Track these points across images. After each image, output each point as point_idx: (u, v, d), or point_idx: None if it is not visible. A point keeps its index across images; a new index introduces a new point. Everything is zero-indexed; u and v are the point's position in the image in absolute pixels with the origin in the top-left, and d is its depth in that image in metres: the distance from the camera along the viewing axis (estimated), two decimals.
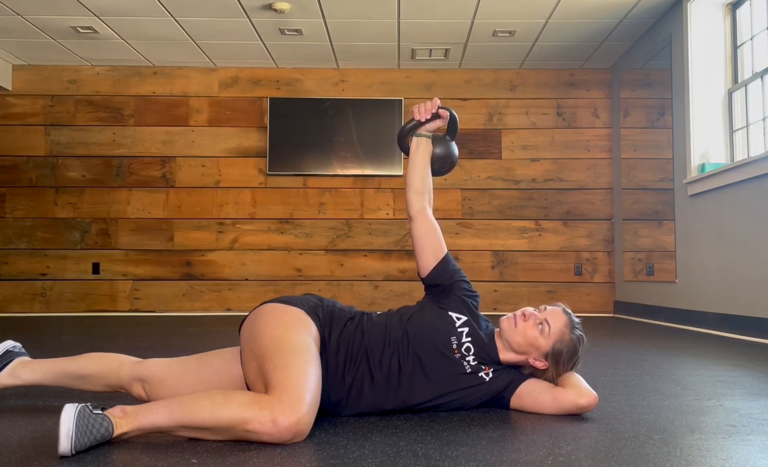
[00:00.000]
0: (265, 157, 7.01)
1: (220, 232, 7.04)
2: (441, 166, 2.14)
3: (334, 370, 1.83)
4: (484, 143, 7.08)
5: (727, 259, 4.73)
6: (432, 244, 2.03)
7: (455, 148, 2.16)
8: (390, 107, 7.00)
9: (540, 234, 7.04)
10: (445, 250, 2.05)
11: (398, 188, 7.02)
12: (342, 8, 5.60)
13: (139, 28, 6.06)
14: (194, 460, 1.44)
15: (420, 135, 2.11)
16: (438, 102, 2.09)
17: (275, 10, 5.58)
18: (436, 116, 2.10)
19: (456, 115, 2.14)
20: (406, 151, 2.15)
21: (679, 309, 5.41)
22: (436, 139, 2.13)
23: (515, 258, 7.02)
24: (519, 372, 1.97)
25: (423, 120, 2.10)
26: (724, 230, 4.77)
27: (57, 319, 6.24)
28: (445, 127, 2.16)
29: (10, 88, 7.03)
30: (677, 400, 2.20)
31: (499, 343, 1.95)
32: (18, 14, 5.72)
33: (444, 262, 2.02)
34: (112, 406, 1.56)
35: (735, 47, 5.14)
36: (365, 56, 6.77)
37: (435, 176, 2.15)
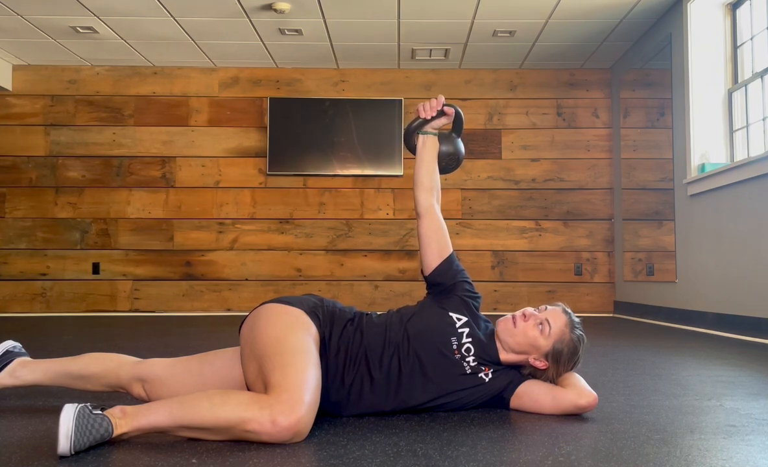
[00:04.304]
0: (265, 157, 7.01)
1: (220, 232, 7.04)
2: (448, 163, 2.14)
3: (334, 371, 1.83)
4: (484, 143, 7.08)
5: (727, 259, 4.73)
6: (438, 242, 2.03)
7: (461, 145, 2.17)
8: (390, 107, 7.00)
9: (540, 234, 7.04)
10: (451, 250, 2.04)
11: (398, 188, 7.03)
12: (342, 8, 5.60)
13: (139, 28, 6.06)
14: (194, 460, 1.44)
15: (426, 132, 2.11)
16: (443, 99, 2.09)
17: (275, 10, 5.58)
18: (441, 113, 2.11)
19: (461, 112, 2.15)
20: (413, 149, 2.15)
21: (679, 309, 5.40)
22: (442, 137, 2.13)
23: (515, 258, 7.02)
24: (519, 372, 1.97)
25: (428, 117, 2.10)
26: (724, 230, 4.77)
27: (57, 319, 6.24)
28: (451, 125, 2.16)
29: (10, 88, 7.03)
30: (677, 400, 2.20)
31: (499, 344, 1.95)
32: (18, 14, 5.72)
33: (448, 262, 2.02)
34: (111, 406, 1.56)
35: (735, 47, 5.14)
36: (365, 56, 6.77)
37: (443, 174, 2.15)
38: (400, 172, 6.95)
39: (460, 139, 2.17)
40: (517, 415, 1.91)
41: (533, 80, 7.12)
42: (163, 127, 7.09)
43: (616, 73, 6.92)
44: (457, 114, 2.13)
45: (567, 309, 1.97)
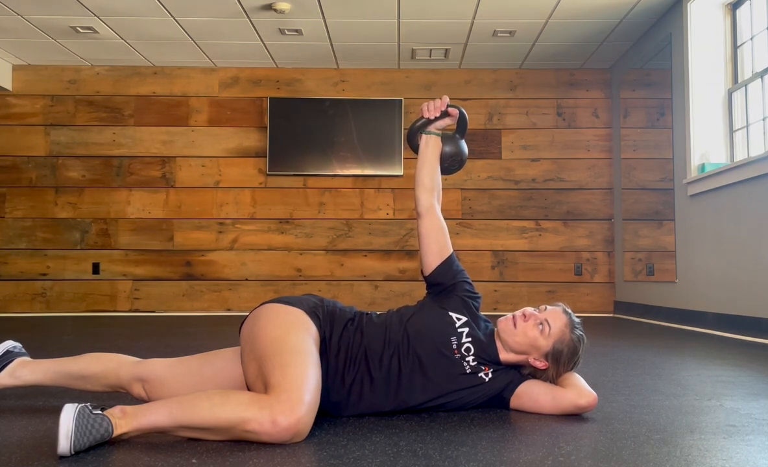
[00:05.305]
0: (265, 157, 7.01)
1: (220, 232, 7.04)
2: (451, 164, 2.14)
3: (334, 371, 1.83)
4: (484, 143, 7.08)
5: (727, 259, 4.73)
6: (438, 243, 2.03)
7: (465, 146, 2.16)
8: (390, 107, 7.00)
9: (540, 234, 7.04)
10: (451, 250, 2.04)
11: (398, 188, 7.03)
12: (342, 8, 5.60)
13: (139, 28, 6.06)
14: (194, 460, 1.44)
15: (429, 132, 2.11)
16: (447, 100, 2.09)
17: (275, 10, 5.58)
18: (445, 114, 2.11)
19: (465, 113, 2.14)
20: (416, 149, 2.14)
21: (679, 309, 5.40)
22: (445, 137, 2.13)
23: (515, 258, 7.02)
24: (519, 372, 1.97)
25: (432, 117, 2.10)
26: (724, 230, 4.77)
27: (57, 319, 6.23)
28: (455, 125, 2.16)
29: (10, 88, 7.03)
30: (677, 400, 2.20)
31: (499, 343, 1.95)
32: (18, 14, 5.72)
33: (448, 262, 2.02)
34: (111, 406, 1.56)
35: (735, 47, 5.14)
36: (365, 56, 6.77)
37: (445, 174, 2.14)
38: (400, 172, 6.96)
39: (463, 141, 2.16)
40: (517, 415, 1.91)
41: (533, 80, 7.12)
42: (163, 127, 7.09)
43: (616, 73, 6.92)
44: (461, 115, 2.13)
45: (567, 309, 1.97)
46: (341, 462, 1.45)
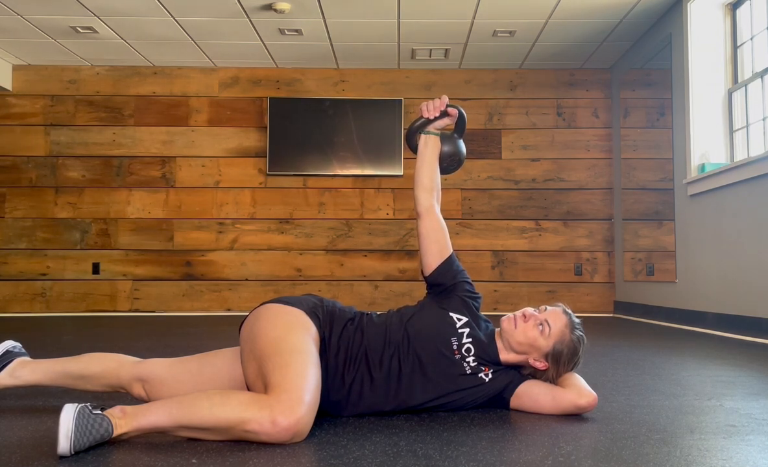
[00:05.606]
0: (265, 157, 7.01)
1: (220, 232, 7.04)
2: (449, 163, 2.14)
3: (333, 371, 1.83)
4: (484, 143, 7.08)
5: (727, 259, 4.73)
6: (438, 243, 2.03)
7: (463, 146, 2.16)
8: (390, 107, 7.00)
9: (540, 234, 7.04)
10: (451, 250, 2.04)
11: (398, 188, 7.03)
12: (342, 8, 5.60)
13: (139, 28, 6.06)
14: (194, 460, 1.44)
15: (428, 132, 2.11)
16: (446, 99, 2.09)
17: (275, 10, 5.58)
18: (444, 114, 2.11)
19: (464, 112, 2.14)
20: (415, 149, 2.15)
21: (679, 309, 5.40)
22: (444, 137, 2.13)
23: (515, 258, 7.02)
24: (519, 372, 1.97)
25: (431, 117, 2.10)
26: (724, 230, 4.77)
27: (57, 319, 6.23)
28: (453, 125, 2.16)
29: (10, 88, 7.03)
30: (677, 400, 2.20)
31: (499, 344, 1.95)
32: (18, 14, 5.72)
33: (448, 262, 2.02)
34: (111, 406, 1.56)
35: (735, 47, 5.14)
36: (365, 56, 6.77)
37: (443, 174, 2.15)
38: (400, 172, 6.95)
39: (462, 141, 2.17)
40: (517, 415, 1.91)
41: (533, 80, 7.12)
42: (163, 127, 7.09)
43: (616, 73, 6.92)
44: (460, 115, 2.13)
45: (567, 309, 1.97)
46: (341, 462, 1.45)
